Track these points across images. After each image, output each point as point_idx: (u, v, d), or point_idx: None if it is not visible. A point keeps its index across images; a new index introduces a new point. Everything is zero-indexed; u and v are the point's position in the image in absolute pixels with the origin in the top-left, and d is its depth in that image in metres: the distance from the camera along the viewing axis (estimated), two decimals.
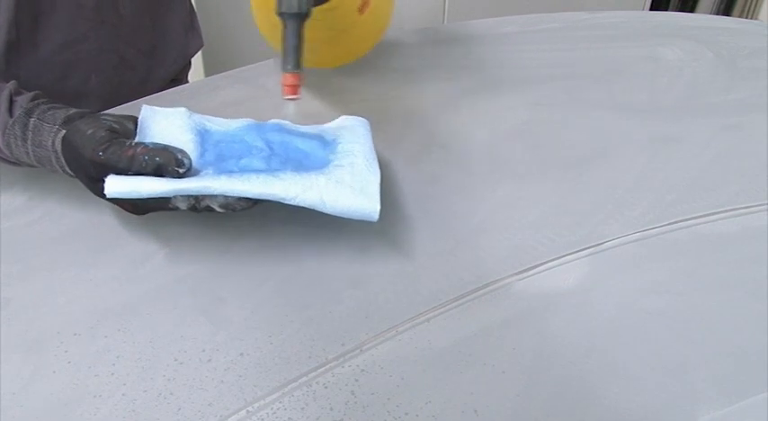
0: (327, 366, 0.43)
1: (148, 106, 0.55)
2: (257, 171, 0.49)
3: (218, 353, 0.44)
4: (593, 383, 0.42)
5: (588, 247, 0.52)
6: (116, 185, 0.46)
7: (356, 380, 0.42)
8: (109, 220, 0.54)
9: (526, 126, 0.67)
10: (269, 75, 0.75)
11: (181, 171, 0.47)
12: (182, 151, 0.48)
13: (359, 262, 0.51)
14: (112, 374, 0.42)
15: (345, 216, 0.49)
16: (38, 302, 0.47)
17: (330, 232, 0.52)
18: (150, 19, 0.79)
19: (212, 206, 0.48)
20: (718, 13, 1.90)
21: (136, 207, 0.50)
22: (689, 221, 0.55)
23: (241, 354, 0.44)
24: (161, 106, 0.55)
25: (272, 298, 0.48)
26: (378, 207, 0.49)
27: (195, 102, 0.70)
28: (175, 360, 0.43)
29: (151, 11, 0.79)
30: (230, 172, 0.49)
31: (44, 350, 0.44)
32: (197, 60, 1.24)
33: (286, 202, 0.48)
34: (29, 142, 0.51)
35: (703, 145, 0.64)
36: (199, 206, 0.48)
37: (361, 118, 0.59)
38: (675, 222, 0.54)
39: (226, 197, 0.48)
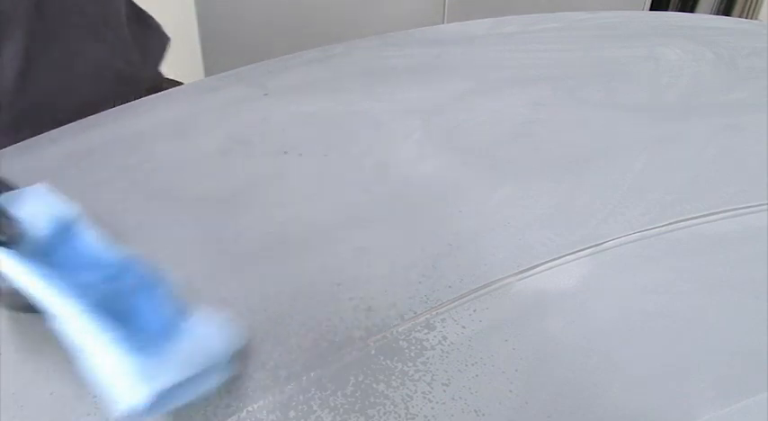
0: (327, 366, 0.43)
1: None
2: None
3: None
4: (594, 383, 0.42)
5: (588, 247, 0.52)
6: None
7: (356, 381, 0.42)
8: (108, 220, 0.54)
9: (526, 126, 0.67)
10: (269, 75, 0.75)
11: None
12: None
13: (359, 262, 0.51)
14: None
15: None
16: None
17: (329, 232, 0.52)
18: None
19: None
20: (718, 13, 1.90)
21: None
22: (689, 221, 0.55)
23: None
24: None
25: (273, 298, 0.48)
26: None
27: (195, 102, 0.70)
28: None
29: None
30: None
31: (44, 350, 0.44)
32: (197, 60, 1.24)
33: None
34: None
35: (703, 145, 0.64)
36: None
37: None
38: (675, 222, 0.54)
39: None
